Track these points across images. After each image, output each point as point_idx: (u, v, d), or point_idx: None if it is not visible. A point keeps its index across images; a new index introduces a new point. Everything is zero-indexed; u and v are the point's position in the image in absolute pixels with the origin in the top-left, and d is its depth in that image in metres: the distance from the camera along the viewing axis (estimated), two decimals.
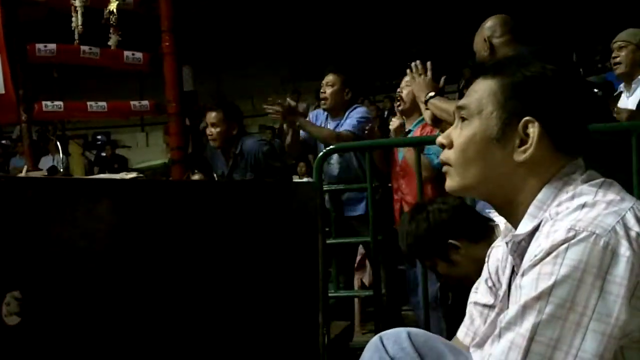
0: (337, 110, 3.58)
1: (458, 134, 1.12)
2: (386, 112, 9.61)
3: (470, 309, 1.35)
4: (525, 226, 1.06)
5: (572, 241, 0.94)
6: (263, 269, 1.93)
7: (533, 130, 1.05)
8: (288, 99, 3.33)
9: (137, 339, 1.49)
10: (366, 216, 3.35)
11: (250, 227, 1.91)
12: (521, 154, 1.06)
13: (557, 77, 1.08)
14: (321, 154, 2.82)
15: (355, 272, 3.98)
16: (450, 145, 1.14)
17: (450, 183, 1.15)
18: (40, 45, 3.66)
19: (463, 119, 1.12)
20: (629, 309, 0.93)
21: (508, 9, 2.84)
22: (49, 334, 1.29)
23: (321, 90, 3.65)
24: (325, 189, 3.05)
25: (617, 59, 3.41)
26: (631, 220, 0.97)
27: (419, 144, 2.77)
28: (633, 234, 0.96)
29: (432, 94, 2.71)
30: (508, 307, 1.05)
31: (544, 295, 0.94)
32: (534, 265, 0.97)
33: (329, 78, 3.58)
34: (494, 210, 1.20)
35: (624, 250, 0.94)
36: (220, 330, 1.74)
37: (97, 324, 1.39)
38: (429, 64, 2.79)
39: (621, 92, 3.53)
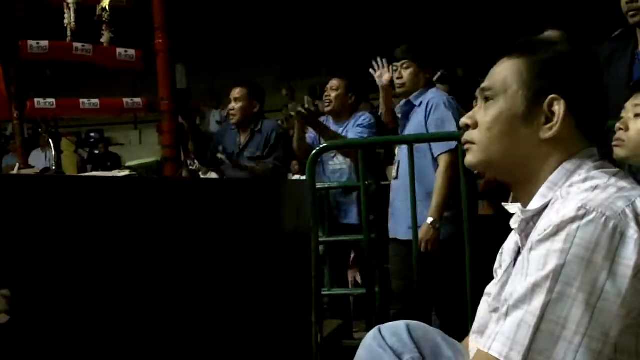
0: (340, 115, 3.64)
1: (483, 114, 1.15)
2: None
3: (482, 300, 1.36)
4: (535, 204, 1.09)
5: (583, 221, 0.96)
6: (255, 267, 1.93)
7: (559, 107, 1.09)
8: (307, 102, 3.37)
9: (129, 336, 1.48)
10: (360, 226, 3.33)
11: (243, 225, 1.91)
12: (547, 131, 1.09)
13: (583, 57, 1.12)
14: (314, 152, 2.81)
15: (348, 270, 3.99)
16: (474, 126, 1.16)
17: (471, 158, 1.17)
18: (32, 42, 3.63)
19: (487, 99, 1.15)
20: (632, 289, 0.95)
21: (503, 7, 2.83)
22: (38, 333, 1.28)
23: (325, 94, 3.70)
24: (318, 187, 3.04)
25: None
26: None
27: (414, 142, 2.77)
28: None
29: None
30: (509, 282, 1.06)
31: (554, 274, 0.96)
32: (544, 240, 0.99)
33: (333, 82, 3.65)
34: (509, 203, 1.22)
35: (632, 233, 0.96)
36: (213, 328, 1.73)
37: (87, 322, 1.38)
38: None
39: None
